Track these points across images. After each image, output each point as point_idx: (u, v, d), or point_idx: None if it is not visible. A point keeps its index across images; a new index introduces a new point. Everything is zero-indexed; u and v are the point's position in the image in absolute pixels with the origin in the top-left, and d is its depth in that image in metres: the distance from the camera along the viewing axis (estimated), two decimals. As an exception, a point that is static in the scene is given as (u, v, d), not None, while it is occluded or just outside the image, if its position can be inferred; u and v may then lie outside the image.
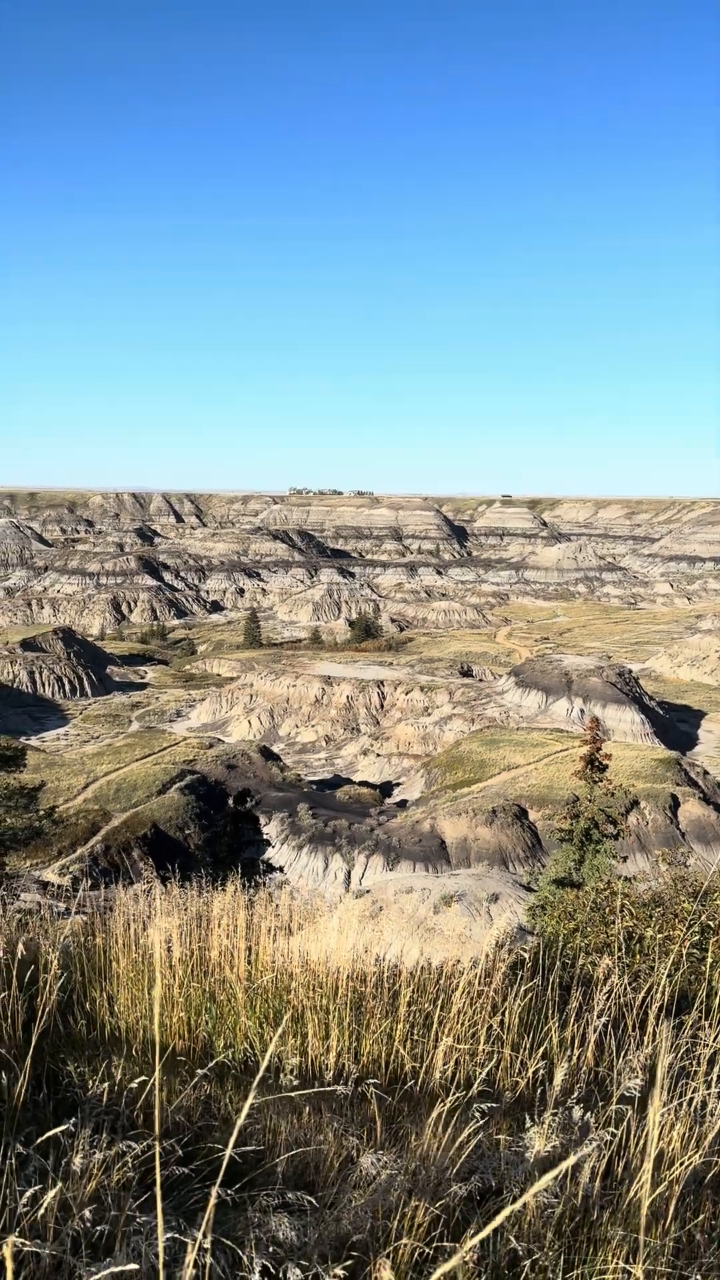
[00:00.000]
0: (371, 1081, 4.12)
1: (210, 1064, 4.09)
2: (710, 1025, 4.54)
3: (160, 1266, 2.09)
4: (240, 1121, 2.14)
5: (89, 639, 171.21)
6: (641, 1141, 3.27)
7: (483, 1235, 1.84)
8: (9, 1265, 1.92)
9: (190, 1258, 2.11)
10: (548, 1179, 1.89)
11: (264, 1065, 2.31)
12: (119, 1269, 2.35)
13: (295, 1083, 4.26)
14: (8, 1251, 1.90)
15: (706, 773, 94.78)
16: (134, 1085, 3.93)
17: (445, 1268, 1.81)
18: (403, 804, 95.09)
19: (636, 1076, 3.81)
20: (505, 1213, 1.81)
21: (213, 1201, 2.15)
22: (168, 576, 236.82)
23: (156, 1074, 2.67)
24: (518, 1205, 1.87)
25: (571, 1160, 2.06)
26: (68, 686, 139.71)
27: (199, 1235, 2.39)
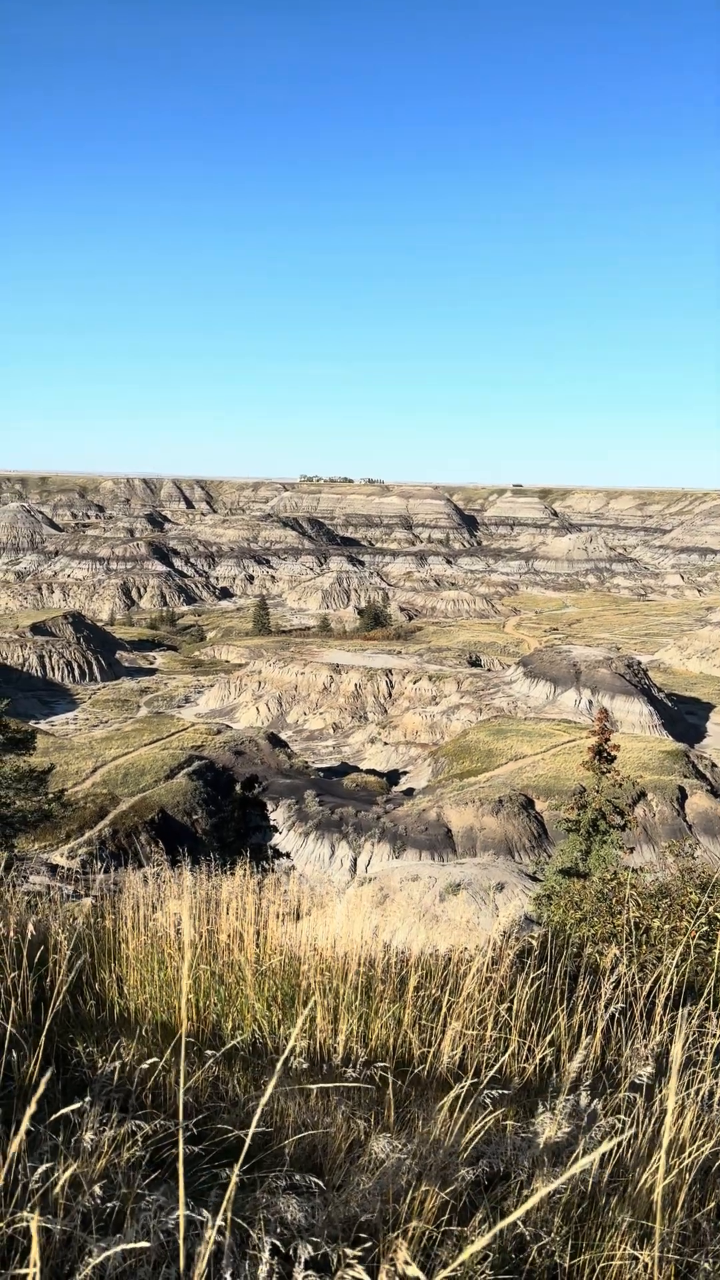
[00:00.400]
0: (380, 1066, 4.14)
1: (224, 1048, 4.11)
2: (717, 1016, 4.54)
3: (181, 1240, 2.11)
4: (263, 1103, 2.15)
5: (99, 624, 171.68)
6: (651, 1129, 3.28)
7: (500, 1227, 1.84)
8: (35, 1239, 1.94)
9: (210, 1235, 2.12)
10: (566, 1176, 1.89)
11: (287, 1049, 2.32)
12: (129, 1246, 2.37)
13: (304, 1065, 4.29)
14: (34, 1226, 1.91)
15: (715, 765, 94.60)
16: (144, 1066, 3.95)
17: (463, 1256, 1.81)
18: (409, 792, 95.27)
19: (646, 1064, 3.81)
20: (523, 1209, 1.81)
21: (234, 1180, 2.17)
22: (177, 562, 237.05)
23: (181, 1052, 2.69)
24: (534, 1201, 1.87)
25: (591, 1157, 2.06)
26: (77, 671, 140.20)
27: (208, 1214, 2.41)
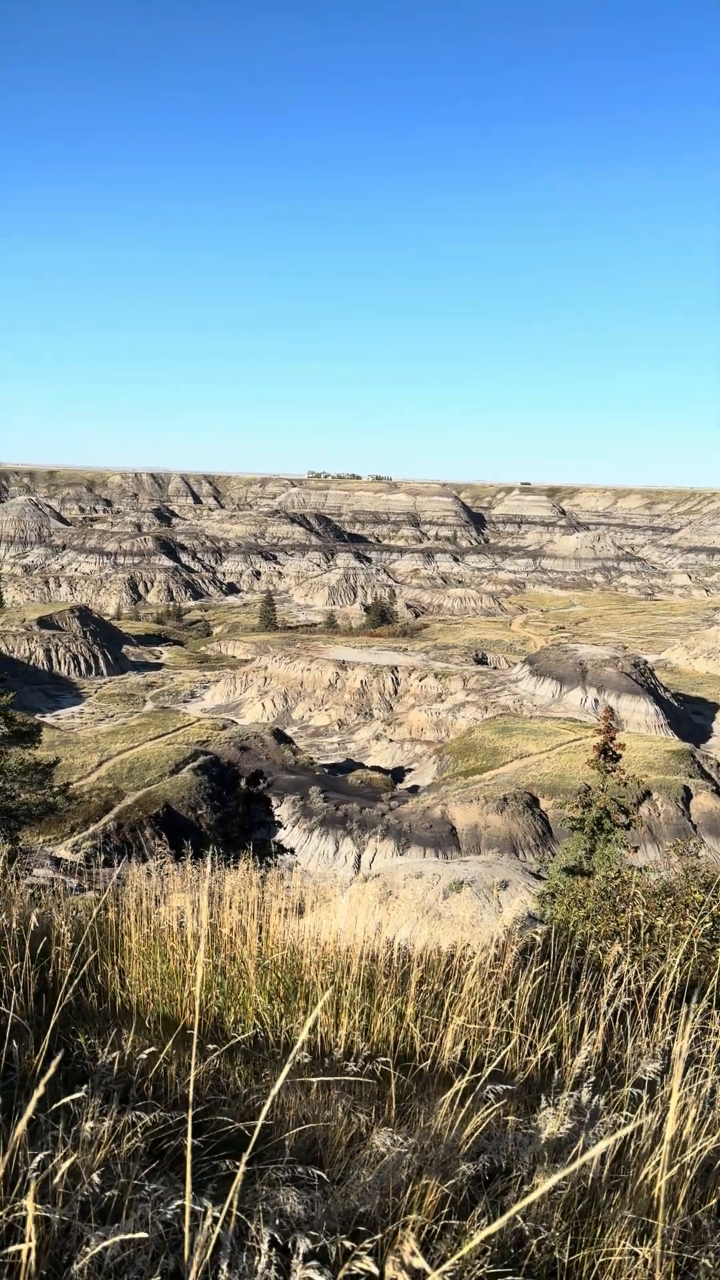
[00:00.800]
0: (381, 1060, 4.13)
1: (226, 1041, 4.11)
2: (721, 1014, 4.53)
3: (187, 1230, 2.10)
4: (273, 1097, 2.14)
5: (105, 618, 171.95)
6: (655, 1125, 3.26)
7: (504, 1220, 1.83)
8: (30, 1225, 1.93)
9: (214, 1227, 2.11)
10: (568, 1171, 1.88)
11: (297, 1046, 2.31)
12: (128, 1236, 2.37)
13: (306, 1059, 4.28)
14: (30, 1213, 1.91)
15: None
16: (143, 1057, 3.95)
17: (464, 1250, 1.80)
18: (414, 789, 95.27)
19: (650, 1061, 3.80)
20: (524, 1203, 1.80)
21: (241, 1171, 2.16)
22: (184, 557, 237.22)
23: (194, 1043, 2.68)
24: (536, 1196, 1.86)
25: (593, 1152, 2.05)
26: (83, 665, 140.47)
27: (208, 1204, 2.40)
